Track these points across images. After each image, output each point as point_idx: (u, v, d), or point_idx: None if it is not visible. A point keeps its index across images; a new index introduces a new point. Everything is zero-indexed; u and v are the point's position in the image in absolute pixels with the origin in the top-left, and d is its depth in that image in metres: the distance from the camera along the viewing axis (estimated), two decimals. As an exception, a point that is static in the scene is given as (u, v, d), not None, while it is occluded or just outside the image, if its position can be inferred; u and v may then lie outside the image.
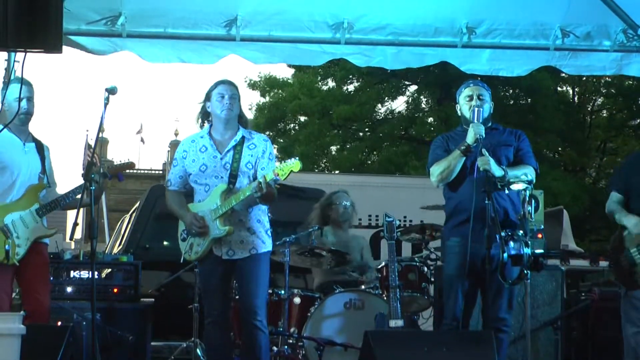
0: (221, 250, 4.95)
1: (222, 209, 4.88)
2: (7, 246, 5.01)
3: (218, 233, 4.90)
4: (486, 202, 4.62)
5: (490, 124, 5.14)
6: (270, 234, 5.10)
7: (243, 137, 5.05)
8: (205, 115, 5.16)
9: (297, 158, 4.79)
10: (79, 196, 5.13)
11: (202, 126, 5.18)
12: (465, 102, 5.12)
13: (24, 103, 5.21)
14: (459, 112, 5.23)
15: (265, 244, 5.02)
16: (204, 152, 5.05)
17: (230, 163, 4.98)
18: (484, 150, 4.86)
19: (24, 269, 5.09)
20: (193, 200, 5.08)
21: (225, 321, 5.03)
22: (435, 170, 5.05)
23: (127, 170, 5.46)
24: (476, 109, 4.96)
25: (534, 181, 5.01)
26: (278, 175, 4.70)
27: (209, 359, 5.16)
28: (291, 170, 4.70)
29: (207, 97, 5.11)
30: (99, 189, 5.14)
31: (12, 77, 5.42)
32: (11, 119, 5.09)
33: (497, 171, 4.81)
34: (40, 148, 5.36)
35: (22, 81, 5.10)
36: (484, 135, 4.86)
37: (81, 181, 5.11)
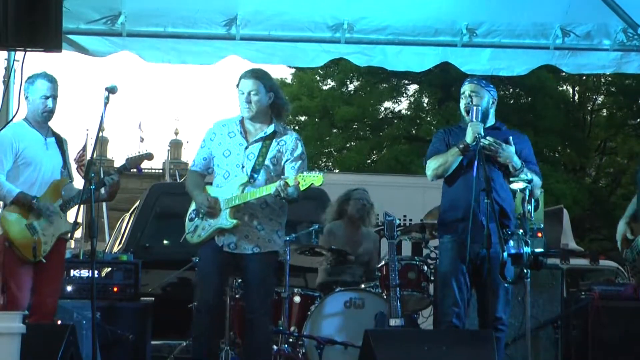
0: (223, 240, 4.85)
1: (235, 201, 4.80)
2: (33, 244, 5.03)
3: (224, 224, 4.82)
4: (485, 201, 4.63)
5: (492, 123, 5.13)
6: (280, 235, 4.99)
7: (275, 132, 4.93)
8: None
9: (321, 172, 4.72)
10: (102, 190, 5.13)
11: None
12: (462, 100, 5.13)
13: (49, 102, 5.22)
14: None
15: (271, 243, 4.90)
16: (232, 138, 4.94)
17: (255, 155, 4.88)
18: (510, 138, 4.94)
19: (41, 266, 5.10)
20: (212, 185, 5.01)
21: (215, 314, 4.95)
22: (431, 164, 5.03)
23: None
24: (474, 107, 4.95)
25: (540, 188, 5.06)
26: (299, 183, 4.63)
27: (195, 352, 4.98)
28: (312, 183, 4.64)
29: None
30: (116, 185, 5.16)
31: (11, 76, 5.43)
32: (34, 115, 5.17)
33: (517, 162, 4.89)
34: (60, 142, 5.37)
35: (50, 79, 5.17)
36: (482, 134, 4.85)
37: (81, 179, 5.14)
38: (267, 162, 4.87)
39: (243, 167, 4.86)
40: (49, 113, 5.26)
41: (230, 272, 5.07)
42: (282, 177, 4.72)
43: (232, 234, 4.84)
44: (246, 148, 4.90)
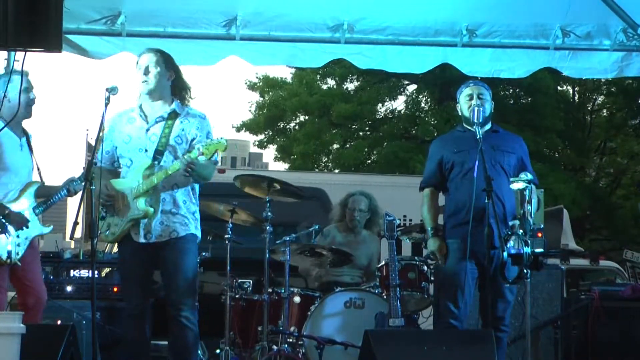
0: (139, 233, 4.62)
1: (142, 187, 4.56)
2: (8, 246, 4.99)
3: (136, 214, 4.57)
4: (486, 201, 4.64)
5: (490, 126, 5.16)
6: (197, 217, 4.75)
7: (174, 111, 4.69)
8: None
9: (223, 138, 4.53)
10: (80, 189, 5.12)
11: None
12: (465, 102, 5.14)
13: (32, 94, 5.15)
14: (459, 112, 5.25)
15: (187, 226, 4.66)
16: (132, 124, 4.73)
17: (158, 136, 4.64)
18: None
19: (17, 267, 5.07)
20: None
21: (144, 315, 4.68)
22: (422, 209, 5.21)
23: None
24: (476, 108, 4.96)
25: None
26: (203, 154, 4.42)
27: (126, 356, 4.79)
28: (216, 150, 4.45)
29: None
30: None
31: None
32: (14, 112, 4.94)
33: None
34: (29, 140, 5.28)
35: (23, 72, 4.96)
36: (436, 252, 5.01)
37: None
38: (171, 142, 4.63)
39: (146, 150, 4.64)
40: (31, 107, 5.17)
41: (153, 265, 4.76)
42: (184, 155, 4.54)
43: (147, 225, 4.60)
44: (147, 130, 4.67)
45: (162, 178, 4.55)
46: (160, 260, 4.66)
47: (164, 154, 4.63)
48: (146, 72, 4.70)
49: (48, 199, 5.20)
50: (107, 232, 4.71)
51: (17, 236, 5.04)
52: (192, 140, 4.69)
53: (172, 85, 4.78)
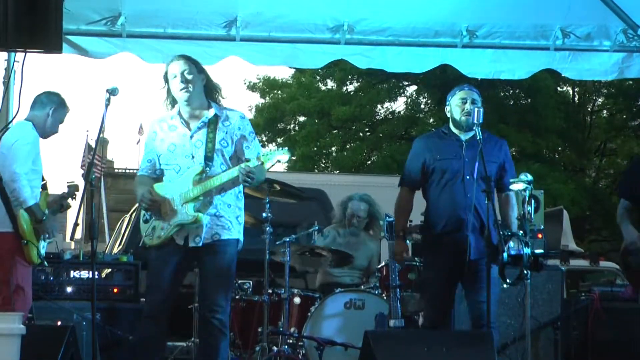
0: (184, 237, 4.57)
1: (192, 193, 4.53)
2: (36, 247, 5.13)
3: (185, 219, 4.52)
4: (486, 202, 4.65)
5: (474, 133, 5.07)
6: (240, 222, 4.69)
7: (216, 115, 4.66)
8: (172, 98, 4.73)
9: (287, 148, 4.61)
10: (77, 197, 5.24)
11: (172, 108, 4.75)
12: (458, 105, 5.05)
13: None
14: (447, 114, 5.17)
15: (230, 231, 4.61)
16: (174, 132, 4.68)
17: (204, 142, 4.60)
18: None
19: None
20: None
21: (165, 318, 4.63)
22: (396, 204, 5.22)
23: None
24: (476, 109, 4.89)
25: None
26: (263, 163, 4.45)
27: (140, 356, 4.70)
28: (278, 160, 4.48)
29: (165, 79, 4.69)
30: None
31: (11, 77, 5.46)
32: (45, 130, 5.29)
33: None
34: None
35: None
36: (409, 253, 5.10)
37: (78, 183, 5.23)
38: (217, 146, 4.60)
39: (193, 157, 4.60)
40: None
41: (187, 270, 4.77)
42: (242, 163, 4.52)
43: (191, 227, 4.55)
44: (191, 137, 4.63)
45: (216, 185, 4.54)
46: (199, 263, 4.65)
47: (214, 159, 4.60)
48: (183, 79, 4.63)
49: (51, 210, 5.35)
50: (153, 236, 4.64)
51: (42, 239, 5.21)
52: (237, 140, 4.67)
53: (206, 89, 4.75)
